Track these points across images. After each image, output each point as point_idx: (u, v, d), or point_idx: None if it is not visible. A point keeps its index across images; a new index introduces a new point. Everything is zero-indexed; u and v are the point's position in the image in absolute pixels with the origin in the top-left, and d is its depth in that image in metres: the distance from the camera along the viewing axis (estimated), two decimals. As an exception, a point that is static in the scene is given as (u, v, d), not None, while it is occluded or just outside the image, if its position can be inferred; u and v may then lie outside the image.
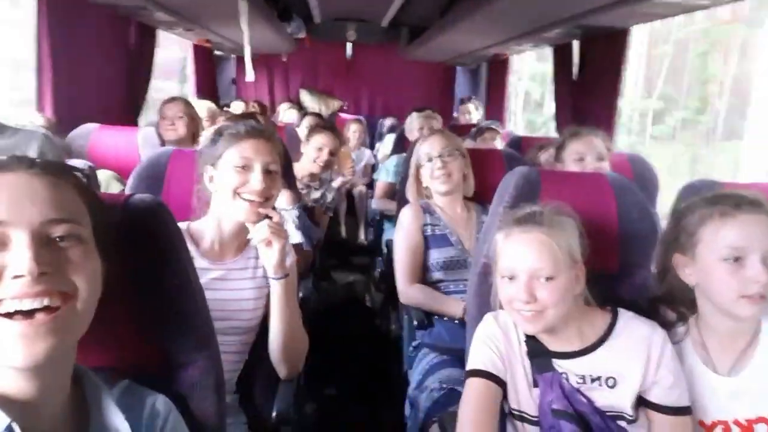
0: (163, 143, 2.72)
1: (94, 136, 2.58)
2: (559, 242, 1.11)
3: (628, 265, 1.33)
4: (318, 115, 4.18)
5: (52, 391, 0.69)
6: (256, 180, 1.34)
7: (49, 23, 2.58)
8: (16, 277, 0.62)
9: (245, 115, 3.22)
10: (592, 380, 1.12)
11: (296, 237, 2.27)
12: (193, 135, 2.92)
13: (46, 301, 0.64)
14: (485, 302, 1.32)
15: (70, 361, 0.71)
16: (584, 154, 2.01)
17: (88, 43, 2.86)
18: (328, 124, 3.30)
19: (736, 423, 1.11)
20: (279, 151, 1.43)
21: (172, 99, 3.00)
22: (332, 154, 2.91)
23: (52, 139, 1.30)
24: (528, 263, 1.10)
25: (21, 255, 0.63)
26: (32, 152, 1.19)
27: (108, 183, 2.34)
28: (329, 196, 3.13)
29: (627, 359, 1.12)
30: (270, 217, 1.35)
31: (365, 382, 2.60)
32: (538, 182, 1.33)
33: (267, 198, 1.37)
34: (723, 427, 1.12)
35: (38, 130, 1.30)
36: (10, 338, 0.62)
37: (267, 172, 1.36)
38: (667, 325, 1.18)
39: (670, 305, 1.22)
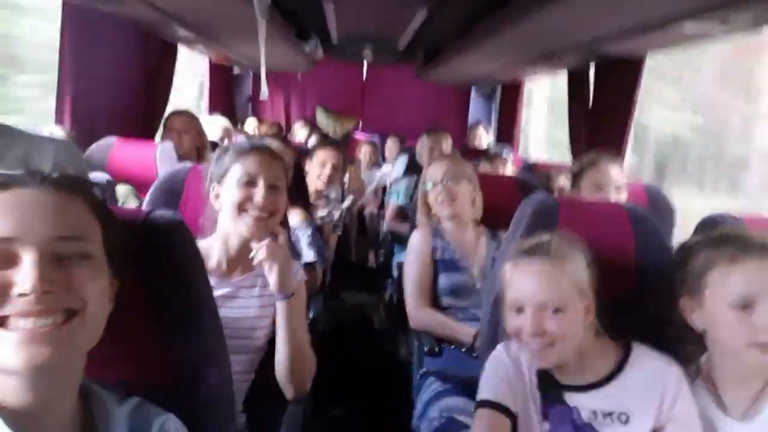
0: (180, 158, 2.74)
1: (114, 150, 2.61)
2: (567, 274, 1.09)
3: (643, 297, 1.30)
4: (325, 135, 4.21)
5: (57, 404, 0.69)
6: (259, 195, 1.35)
7: (71, 36, 2.63)
8: (21, 295, 0.63)
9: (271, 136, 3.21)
10: (605, 416, 1.10)
11: (310, 256, 2.27)
12: (198, 150, 2.89)
13: (50, 320, 0.64)
14: (498, 330, 1.30)
15: (76, 374, 0.71)
16: (603, 185, 1.99)
17: (108, 58, 2.91)
18: (331, 141, 3.29)
19: None
20: (285, 167, 1.44)
21: (179, 112, 2.99)
22: (335, 169, 2.89)
23: (72, 145, 1.28)
24: (535, 295, 1.09)
25: (27, 273, 0.63)
26: (47, 161, 1.19)
27: (126, 197, 2.36)
28: (336, 214, 3.13)
29: (641, 395, 1.10)
30: (276, 235, 1.35)
31: (372, 406, 2.56)
32: (556, 211, 1.32)
33: (271, 213, 1.37)
34: None
35: (56, 136, 1.28)
36: (10, 344, 0.62)
37: (271, 188, 1.37)
38: (681, 362, 1.16)
39: (680, 345, 1.19)
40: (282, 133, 4.77)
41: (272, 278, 1.31)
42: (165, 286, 0.83)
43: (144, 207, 1.57)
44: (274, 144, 2.69)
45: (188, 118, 2.95)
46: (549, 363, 1.11)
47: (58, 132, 2.44)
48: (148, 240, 0.79)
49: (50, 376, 0.66)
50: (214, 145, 3.03)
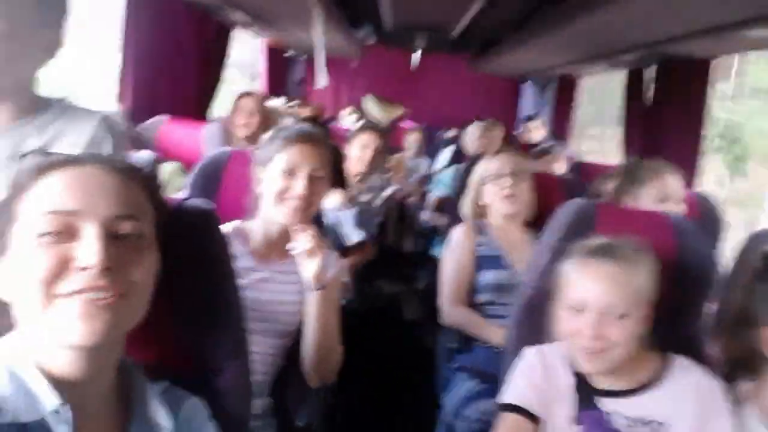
0: (227, 139, 2.79)
1: (163, 129, 2.69)
2: (634, 279, 1.06)
3: (681, 311, 1.26)
4: (371, 122, 4.18)
5: (102, 376, 0.72)
6: (299, 186, 1.36)
7: (135, 16, 2.72)
8: (83, 268, 0.65)
9: (306, 119, 3.25)
10: (642, 424, 1.07)
11: (357, 235, 2.26)
12: (264, 132, 2.92)
13: (108, 294, 0.66)
14: (526, 334, 1.28)
15: (120, 348, 0.73)
16: (668, 195, 1.90)
17: (167, 38, 2.99)
18: (373, 125, 3.25)
19: None
20: (328, 157, 1.44)
21: (248, 93, 3.00)
22: (376, 152, 2.85)
23: (111, 120, 1.25)
24: (601, 297, 1.05)
25: (91, 247, 0.65)
26: (84, 135, 1.19)
27: (173, 175, 2.42)
28: (377, 202, 3.12)
29: (680, 405, 1.07)
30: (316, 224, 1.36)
31: (397, 396, 2.58)
32: (593, 216, 1.28)
33: (310, 203, 1.39)
34: None
35: (96, 110, 1.25)
36: (69, 317, 0.64)
37: (312, 178, 1.38)
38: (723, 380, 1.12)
39: (732, 362, 1.15)
40: (322, 117, 4.77)
41: (310, 269, 1.32)
42: (190, 276, 0.84)
43: (185, 189, 1.62)
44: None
45: (258, 99, 2.98)
46: (598, 369, 1.08)
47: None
48: (179, 228, 0.81)
49: (101, 351, 0.68)
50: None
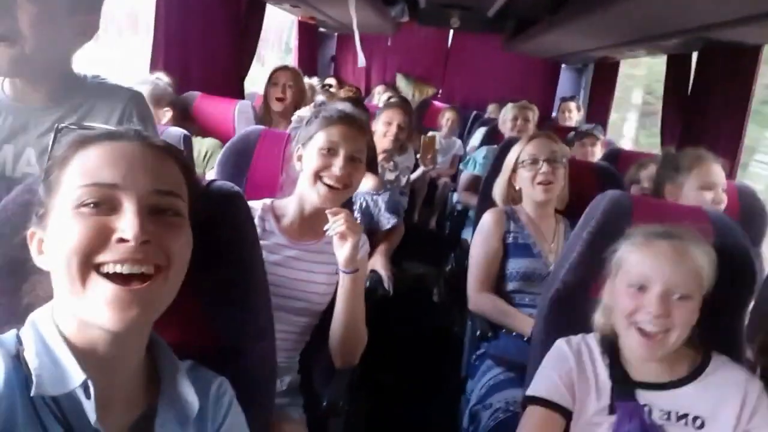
0: (259, 117, 2.80)
1: (196, 105, 2.70)
2: (698, 262, 1.04)
3: (719, 310, 1.21)
4: (404, 101, 4.13)
5: (131, 354, 0.73)
6: (338, 165, 1.36)
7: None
8: (122, 240, 0.65)
9: (347, 99, 3.23)
10: (678, 418, 1.05)
11: (391, 221, 2.26)
12: (295, 108, 2.88)
13: (143, 269, 0.66)
14: (554, 326, 1.27)
15: (149, 328, 0.74)
16: (711, 184, 1.84)
17: (200, 13, 2.99)
18: (397, 102, 3.22)
19: None
20: (367, 140, 1.44)
21: (285, 67, 3.00)
22: (401, 128, 2.83)
23: (139, 96, 1.28)
24: (666, 275, 1.03)
25: (130, 220, 0.66)
26: (115, 115, 1.22)
27: (214, 150, 2.44)
28: (403, 180, 3.10)
29: (719, 401, 1.05)
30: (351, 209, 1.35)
31: (421, 379, 2.59)
32: (629, 209, 1.24)
33: (346, 185, 1.38)
34: None
35: (127, 88, 1.28)
36: (103, 300, 0.65)
37: (351, 159, 1.38)
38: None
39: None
40: (361, 97, 4.75)
41: (344, 252, 1.31)
42: (217, 258, 0.85)
43: (216, 166, 1.63)
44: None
45: (294, 73, 2.97)
46: (654, 353, 1.06)
47: (165, 78, 2.55)
48: (207, 210, 0.82)
49: (130, 334, 0.69)
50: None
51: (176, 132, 1.71)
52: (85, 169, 0.69)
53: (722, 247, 1.21)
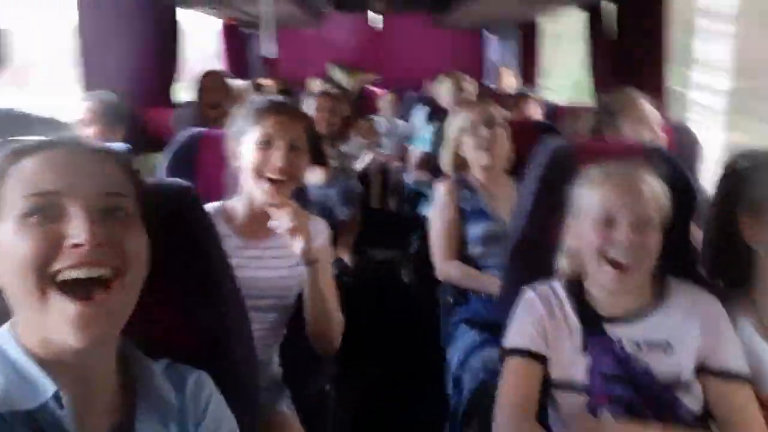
0: (197, 121, 2.72)
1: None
2: (657, 190, 1.08)
3: (667, 233, 1.28)
4: (342, 90, 4.14)
5: (101, 363, 0.72)
6: (277, 157, 1.32)
7: (86, 14, 2.61)
8: (75, 246, 0.64)
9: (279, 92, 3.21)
10: (648, 346, 1.10)
11: (344, 213, 2.26)
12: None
13: (102, 271, 0.65)
14: (518, 279, 1.30)
15: (117, 334, 0.73)
16: (648, 122, 1.91)
17: (119, 28, 2.88)
18: (327, 91, 3.27)
19: None
20: (305, 126, 1.40)
21: (210, 72, 2.94)
22: (331, 114, 2.90)
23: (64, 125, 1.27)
24: (634, 207, 1.06)
25: (79, 224, 0.64)
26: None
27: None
28: (353, 167, 3.13)
29: (683, 325, 1.10)
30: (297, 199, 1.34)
31: (403, 358, 2.62)
32: (572, 155, 1.28)
33: (290, 176, 1.34)
34: None
35: (68, 123, 1.30)
36: (65, 319, 0.63)
37: (291, 149, 1.34)
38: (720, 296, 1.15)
39: (722, 273, 1.19)
40: (290, 88, 4.70)
41: (297, 246, 1.29)
42: (177, 256, 0.83)
43: (159, 174, 1.59)
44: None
45: (222, 78, 2.92)
46: (626, 286, 1.09)
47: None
48: (160, 209, 0.80)
49: (100, 344, 0.68)
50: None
51: (119, 147, 1.65)
52: (25, 179, 0.67)
53: (661, 174, 1.27)
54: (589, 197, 1.11)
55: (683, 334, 1.09)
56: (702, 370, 1.09)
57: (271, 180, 1.32)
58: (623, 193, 1.07)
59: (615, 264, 1.06)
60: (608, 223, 1.07)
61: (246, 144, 1.35)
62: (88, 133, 2.15)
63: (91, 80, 2.60)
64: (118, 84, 2.37)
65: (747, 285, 1.15)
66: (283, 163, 1.32)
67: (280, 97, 1.44)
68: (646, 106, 1.94)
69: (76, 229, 0.64)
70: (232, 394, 0.86)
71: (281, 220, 1.28)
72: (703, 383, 1.08)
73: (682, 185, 1.25)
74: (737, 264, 1.15)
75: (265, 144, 1.33)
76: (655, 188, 1.09)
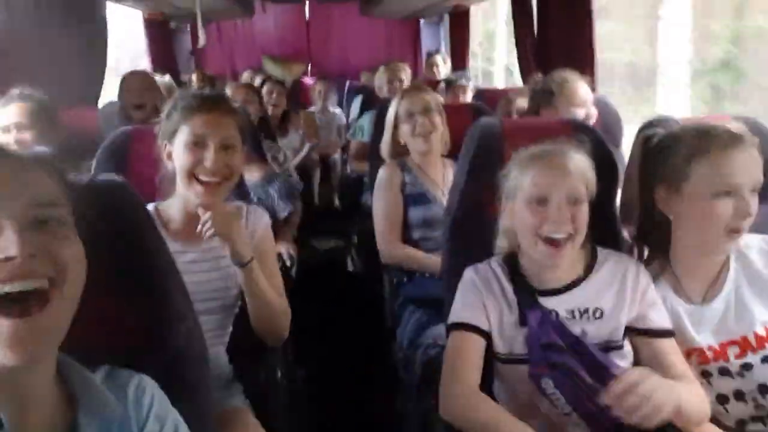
0: (125, 121, 2.62)
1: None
2: (584, 168, 1.14)
3: (593, 204, 1.35)
4: (280, 82, 4.10)
5: (39, 379, 0.70)
6: (209, 158, 1.26)
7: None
8: (6, 259, 0.62)
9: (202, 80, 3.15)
10: (581, 313, 1.16)
11: (285, 210, 2.26)
12: (156, 110, 2.78)
13: (36, 284, 0.63)
14: (459, 254, 1.35)
15: (56, 348, 0.71)
16: (582, 102, 2.00)
17: (38, 28, 2.72)
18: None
19: (710, 348, 1.17)
20: (238, 122, 1.34)
21: (134, 72, 2.82)
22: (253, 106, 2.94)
23: None
24: (566, 185, 1.11)
25: (10, 238, 0.62)
26: None
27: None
28: (291, 162, 3.14)
29: (612, 290, 1.17)
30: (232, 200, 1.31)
31: (353, 343, 2.65)
32: (501, 133, 1.34)
33: (225, 177, 1.29)
34: (698, 354, 1.18)
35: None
36: (0, 337, 0.61)
37: (223, 148, 1.28)
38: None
39: (643, 240, 1.28)
40: (213, 84, 4.59)
41: (227, 248, 1.27)
42: (117, 251, 0.82)
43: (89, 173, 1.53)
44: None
45: (146, 77, 2.79)
46: (562, 258, 1.13)
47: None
48: (94, 205, 0.79)
49: (41, 361, 0.66)
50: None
51: (42, 150, 1.58)
52: None
53: (586, 150, 1.34)
54: (522, 179, 1.16)
55: (613, 299, 1.17)
56: (631, 331, 1.17)
57: (203, 182, 1.28)
58: (554, 173, 1.13)
59: (550, 241, 1.12)
60: (541, 202, 1.12)
61: (177, 144, 1.30)
62: (22, 138, 1.98)
63: (8, 78, 2.44)
64: (38, 83, 2.22)
65: (666, 249, 1.24)
66: (215, 164, 1.26)
67: (207, 91, 1.37)
68: (582, 87, 2.03)
69: (7, 242, 0.62)
70: (181, 389, 0.86)
71: (207, 225, 1.24)
72: (634, 342, 1.17)
73: (605, 158, 1.32)
74: (657, 231, 1.23)
75: (196, 144, 1.27)
76: (581, 164, 1.15)
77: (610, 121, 2.27)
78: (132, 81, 2.72)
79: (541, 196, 1.12)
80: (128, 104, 2.69)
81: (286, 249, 2.18)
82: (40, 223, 0.66)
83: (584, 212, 1.12)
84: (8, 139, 1.95)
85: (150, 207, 1.36)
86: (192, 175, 1.28)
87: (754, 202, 1.11)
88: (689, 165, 1.13)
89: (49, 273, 0.65)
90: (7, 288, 0.62)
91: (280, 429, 1.45)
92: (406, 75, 3.79)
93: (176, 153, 1.30)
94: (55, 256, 0.66)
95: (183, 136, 1.29)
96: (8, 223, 0.63)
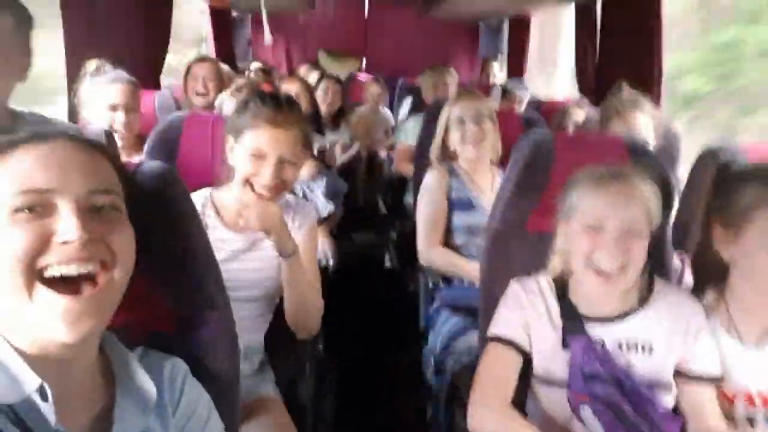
0: (178, 107, 2.70)
1: None
2: (645, 201, 1.08)
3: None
4: (337, 79, 4.12)
5: (85, 356, 0.73)
6: (266, 174, 1.30)
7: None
8: (64, 243, 0.65)
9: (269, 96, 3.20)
10: (629, 347, 1.12)
11: (328, 208, 2.28)
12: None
13: (90, 267, 0.66)
14: (498, 266, 1.33)
15: (103, 329, 0.74)
16: (644, 127, 1.92)
17: (106, 8, 2.83)
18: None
19: (759, 395, 1.12)
20: (299, 137, 1.36)
21: (203, 58, 2.87)
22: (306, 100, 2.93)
23: (76, 128, 1.41)
24: (622, 215, 1.06)
25: (69, 222, 0.65)
26: None
27: None
28: (338, 157, 3.17)
29: (665, 327, 1.12)
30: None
31: (384, 341, 2.65)
32: (552, 146, 1.31)
33: (279, 189, 1.34)
34: (745, 397, 1.12)
35: (60, 123, 1.43)
36: (54, 314, 0.64)
37: (281, 163, 1.31)
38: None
39: (699, 270, 1.22)
40: (271, 76, 4.63)
41: (272, 241, 1.31)
42: (159, 236, 0.84)
43: (144, 156, 1.58)
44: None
45: (213, 65, 2.84)
46: (616, 290, 1.09)
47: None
48: (141, 191, 0.81)
49: (88, 339, 0.69)
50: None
51: (97, 129, 1.64)
52: (16, 174, 0.67)
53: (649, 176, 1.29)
54: (581, 202, 1.11)
55: (666, 336, 1.12)
56: (678, 373, 1.12)
57: (256, 193, 1.32)
58: (614, 202, 1.07)
59: (599, 272, 1.07)
60: (597, 229, 1.08)
61: (239, 147, 1.34)
62: (130, 120, 2.06)
63: (77, 50, 2.53)
64: (105, 56, 2.30)
65: (722, 286, 1.17)
66: (272, 180, 1.31)
67: (278, 101, 1.36)
68: (632, 119, 1.93)
69: (66, 227, 0.65)
70: (210, 375, 0.87)
71: (249, 218, 1.28)
72: (677, 382, 1.12)
73: (662, 184, 1.26)
74: (714, 263, 1.16)
75: (256, 156, 1.31)
76: (645, 194, 1.09)
77: (668, 142, 2.19)
78: (199, 68, 2.78)
79: (597, 224, 1.07)
80: (191, 90, 2.76)
81: (323, 246, 2.20)
82: (98, 209, 0.69)
83: (641, 246, 1.07)
84: (115, 118, 2.04)
85: (206, 192, 1.43)
86: (247, 182, 1.32)
87: None
88: (750, 211, 1.06)
89: (102, 257, 0.68)
90: (63, 270, 0.65)
91: (305, 421, 1.47)
92: (452, 79, 3.74)
93: (237, 154, 1.35)
94: (109, 242, 0.69)
95: (246, 142, 1.32)
96: (69, 207, 0.66)
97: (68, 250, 0.65)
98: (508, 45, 5.34)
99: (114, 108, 2.05)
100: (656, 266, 1.21)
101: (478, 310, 1.37)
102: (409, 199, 3.05)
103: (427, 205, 2.03)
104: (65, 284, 0.65)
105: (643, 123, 1.93)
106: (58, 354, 0.68)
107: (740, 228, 1.07)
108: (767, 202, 1.04)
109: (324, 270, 2.01)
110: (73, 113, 2.27)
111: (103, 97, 2.06)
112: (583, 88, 3.35)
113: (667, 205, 1.29)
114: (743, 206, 1.07)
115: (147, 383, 0.77)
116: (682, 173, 2.12)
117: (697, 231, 1.35)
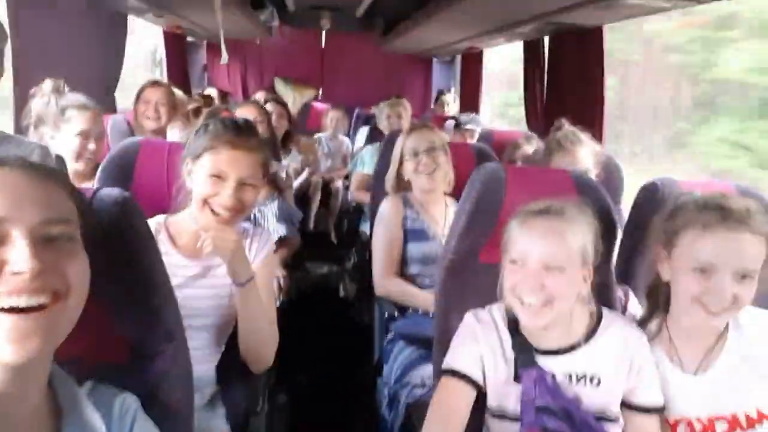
0: (131, 132, 2.64)
1: None
2: (575, 237, 1.10)
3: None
4: (283, 103, 4.12)
5: (32, 389, 0.70)
6: (226, 194, 1.29)
7: (20, 15, 2.49)
8: (15, 273, 0.63)
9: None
10: (578, 379, 1.14)
11: (281, 230, 2.26)
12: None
13: (42, 299, 0.64)
14: (452, 296, 1.35)
15: (51, 358, 0.72)
16: (586, 163, 1.99)
17: (58, 32, 2.76)
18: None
19: (699, 421, 1.15)
20: (262, 159, 1.36)
21: (155, 83, 2.80)
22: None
23: (46, 149, 1.41)
24: (540, 251, 1.08)
25: (22, 252, 0.63)
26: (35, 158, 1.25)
27: None
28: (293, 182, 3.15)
29: (612, 359, 1.14)
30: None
31: (338, 372, 2.63)
32: (503, 179, 1.35)
33: (238, 211, 1.32)
34: (686, 424, 1.16)
35: (35, 142, 1.44)
36: (2, 333, 0.62)
37: (241, 185, 1.30)
38: (639, 323, 1.22)
39: (650, 302, 1.25)
40: (227, 101, 4.56)
41: (226, 266, 1.29)
42: (116, 264, 0.83)
43: (96, 183, 1.54)
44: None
45: (165, 89, 2.77)
46: (539, 323, 1.11)
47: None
48: (97, 218, 0.80)
49: (31, 366, 0.66)
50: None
51: (52, 154, 1.60)
52: None
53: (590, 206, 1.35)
54: (511, 236, 1.14)
55: (612, 368, 1.14)
56: (624, 404, 1.15)
57: (215, 212, 1.30)
58: (534, 237, 1.10)
59: (522, 303, 1.10)
60: (520, 263, 1.11)
61: (198, 169, 1.32)
62: (95, 147, 2.00)
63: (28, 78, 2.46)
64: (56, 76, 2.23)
65: (666, 310, 1.21)
66: (231, 201, 1.29)
67: (236, 124, 1.36)
68: (575, 154, 2.01)
69: (18, 257, 0.64)
70: (164, 409, 0.85)
71: (207, 242, 1.26)
72: (624, 415, 1.15)
73: (606, 216, 1.32)
74: (658, 289, 1.21)
75: (216, 177, 1.30)
76: (574, 236, 1.10)
77: (611, 174, 2.30)
78: (151, 92, 2.71)
79: (520, 258, 1.11)
80: (141, 113, 2.70)
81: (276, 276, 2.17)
82: (53, 239, 0.67)
83: (563, 281, 1.08)
84: (85, 146, 1.98)
85: (160, 219, 1.40)
86: (206, 203, 1.30)
87: (740, 286, 1.06)
88: (678, 234, 1.12)
89: (55, 287, 0.66)
90: (12, 301, 0.63)
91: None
92: (405, 111, 3.84)
93: (196, 176, 1.33)
94: (63, 272, 0.67)
95: (205, 164, 1.31)
96: (21, 236, 0.65)
97: (19, 280, 0.63)
98: (461, 79, 5.52)
99: (85, 135, 1.98)
100: (601, 298, 1.24)
101: (432, 342, 1.38)
102: (365, 227, 3.06)
103: (383, 234, 2.05)
104: (13, 310, 0.63)
105: (583, 155, 2.02)
106: (4, 384, 0.65)
107: (672, 249, 1.14)
108: (693, 223, 1.10)
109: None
110: (19, 129, 2.18)
111: (73, 124, 1.99)
112: (530, 123, 3.50)
113: (609, 238, 1.34)
114: (675, 229, 1.13)
115: (95, 420, 0.74)
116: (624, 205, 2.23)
117: (641, 262, 1.43)
